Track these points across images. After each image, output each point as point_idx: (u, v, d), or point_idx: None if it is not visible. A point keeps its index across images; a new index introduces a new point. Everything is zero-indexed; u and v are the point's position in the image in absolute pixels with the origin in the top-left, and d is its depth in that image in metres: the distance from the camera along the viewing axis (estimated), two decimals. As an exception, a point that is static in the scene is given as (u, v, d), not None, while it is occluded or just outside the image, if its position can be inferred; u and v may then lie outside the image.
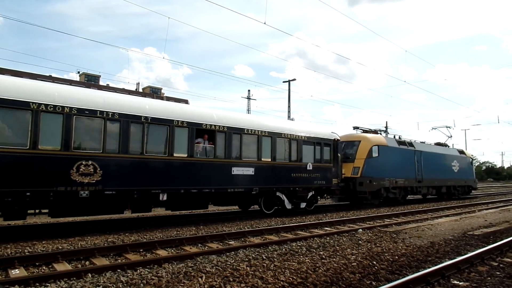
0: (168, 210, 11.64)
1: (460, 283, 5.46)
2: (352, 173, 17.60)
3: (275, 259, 6.61)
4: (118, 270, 5.83)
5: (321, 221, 11.86)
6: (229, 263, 6.31)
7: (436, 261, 6.73)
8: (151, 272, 5.78)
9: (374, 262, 6.44)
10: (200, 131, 11.37)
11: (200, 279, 5.32)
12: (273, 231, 9.93)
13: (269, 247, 7.77)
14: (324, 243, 8.24)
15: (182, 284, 5.08)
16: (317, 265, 6.19)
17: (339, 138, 16.22)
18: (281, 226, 10.51)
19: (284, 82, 39.95)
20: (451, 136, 26.75)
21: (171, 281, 5.20)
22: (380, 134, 20.25)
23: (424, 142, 23.13)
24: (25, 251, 7.14)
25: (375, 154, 18.17)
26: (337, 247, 7.72)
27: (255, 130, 12.65)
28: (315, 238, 8.90)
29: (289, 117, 35.73)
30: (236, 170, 11.95)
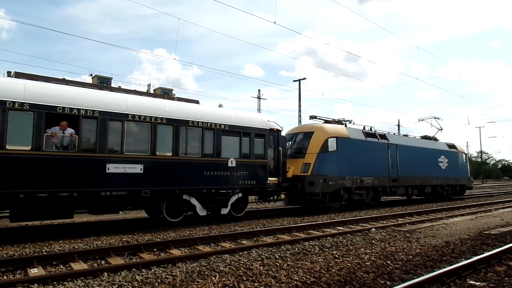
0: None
1: (477, 283, 5.38)
2: (302, 170, 14.39)
3: (288, 259, 6.61)
4: (133, 269, 5.92)
5: (333, 220, 11.80)
6: (242, 262, 6.35)
7: (451, 260, 6.64)
8: (166, 271, 5.84)
9: (388, 262, 6.40)
10: (56, 117, 8.87)
11: (213, 278, 5.36)
12: (286, 230, 9.93)
13: (282, 247, 7.78)
14: (337, 243, 8.21)
15: (196, 283, 5.12)
16: (330, 264, 6.17)
17: (279, 128, 13.37)
18: (293, 225, 10.50)
19: (294, 81, 39.89)
20: (441, 129, 23.87)
21: (185, 280, 5.26)
22: (345, 124, 17.09)
23: (407, 135, 20.70)
24: (43, 250, 7.30)
25: (332, 148, 15.01)
26: (350, 247, 7.68)
27: (146, 116, 10.10)
28: (328, 238, 8.87)
29: (300, 116, 35.63)
30: (113, 168, 9.42)
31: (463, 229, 10.09)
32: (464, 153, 24.35)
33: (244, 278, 5.34)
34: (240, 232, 9.29)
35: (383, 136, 18.02)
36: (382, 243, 8.08)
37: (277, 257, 6.76)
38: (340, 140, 15.47)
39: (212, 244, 8.26)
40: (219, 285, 5.04)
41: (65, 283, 5.23)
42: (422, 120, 24.56)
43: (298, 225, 10.60)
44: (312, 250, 7.41)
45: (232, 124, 11.90)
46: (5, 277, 5.74)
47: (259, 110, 55.13)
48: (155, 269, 5.99)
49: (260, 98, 54.19)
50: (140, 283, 5.19)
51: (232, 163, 11.65)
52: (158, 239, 8.55)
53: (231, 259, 6.56)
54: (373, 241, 8.40)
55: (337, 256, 6.82)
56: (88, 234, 9.21)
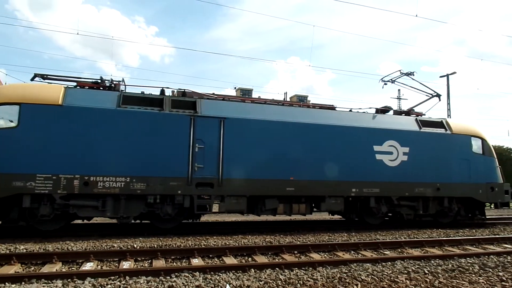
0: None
1: None
2: None
3: (440, 275, 5.95)
4: (277, 269, 6.26)
5: (497, 235, 10.04)
6: (385, 273, 6.02)
7: None
8: (306, 273, 6.00)
9: None
10: None
11: (355, 286, 5.25)
12: (435, 243, 8.94)
13: (432, 261, 7.04)
14: (504, 263, 6.96)
15: (337, 289, 5.11)
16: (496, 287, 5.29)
17: None
18: (444, 238, 9.38)
19: (441, 77, 35.62)
20: (439, 95, 13.54)
21: (325, 285, 5.30)
22: (113, 86, 10.00)
23: (271, 103, 11.80)
24: (201, 244, 8.42)
25: None
26: (523, 269, 6.40)
27: None
28: (491, 256, 7.60)
29: (449, 115, 31.54)
30: None
31: None
32: (479, 137, 12.89)
33: (389, 291, 5.06)
34: (382, 241, 8.80)
35: (184, 104, 10.01)
36: None
37: (426, 272, 6.16)
38: (29, 109, 8.82)
39: (352, 252, 8.08)
40: (362, 294, 4.91)
41: (220, 274, 5.92)
42: (387, 81, 13.79)
43: (450, 238, 9.42)
44: (470, 268, 6.48)
45: None
46: (174, 263, 6.87)
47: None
48: (296, 270, 6.21)
49: (400, 99, 50.15)
50: (284, 282, 5.47)
51: None
52: (298, 242, 8.83)
53: (373, 269, 6.29)
54: (557, 265, 6.81)
55: (504, 279, 5.80)
56: (236, 233, 10.18)
